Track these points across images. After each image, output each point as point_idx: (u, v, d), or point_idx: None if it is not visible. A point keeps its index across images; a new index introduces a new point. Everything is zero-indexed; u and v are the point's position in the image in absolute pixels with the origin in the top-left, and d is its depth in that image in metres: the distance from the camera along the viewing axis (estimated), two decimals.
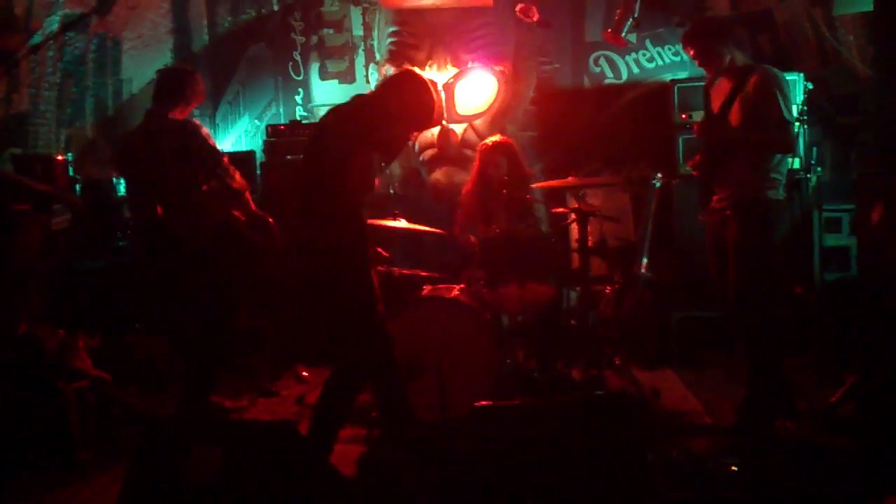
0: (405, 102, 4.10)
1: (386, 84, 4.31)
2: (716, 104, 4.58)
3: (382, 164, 4.49)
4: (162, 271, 5.03)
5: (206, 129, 5.00)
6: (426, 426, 4.34)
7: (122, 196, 6.34)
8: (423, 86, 4.14)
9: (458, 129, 6.79)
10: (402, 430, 4.17)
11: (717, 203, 4.58)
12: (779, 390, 4.51)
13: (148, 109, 5.09)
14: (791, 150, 4.73)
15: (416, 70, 4.28)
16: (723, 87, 4.57)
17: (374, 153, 4.10)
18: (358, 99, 4.25)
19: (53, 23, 5.87)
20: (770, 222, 4.47)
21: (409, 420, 4.18)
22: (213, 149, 4.98)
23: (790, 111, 4.40)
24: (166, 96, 5.01)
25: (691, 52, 4.64)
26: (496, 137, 5.74)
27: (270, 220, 5.14)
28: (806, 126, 5.55)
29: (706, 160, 4.55)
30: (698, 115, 6.08)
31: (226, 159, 5.04)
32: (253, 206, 5.16)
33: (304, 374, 5.95)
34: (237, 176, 5.05)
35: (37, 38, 5.82)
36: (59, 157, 5.81)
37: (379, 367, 4.10)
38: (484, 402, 3.90)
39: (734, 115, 4.42)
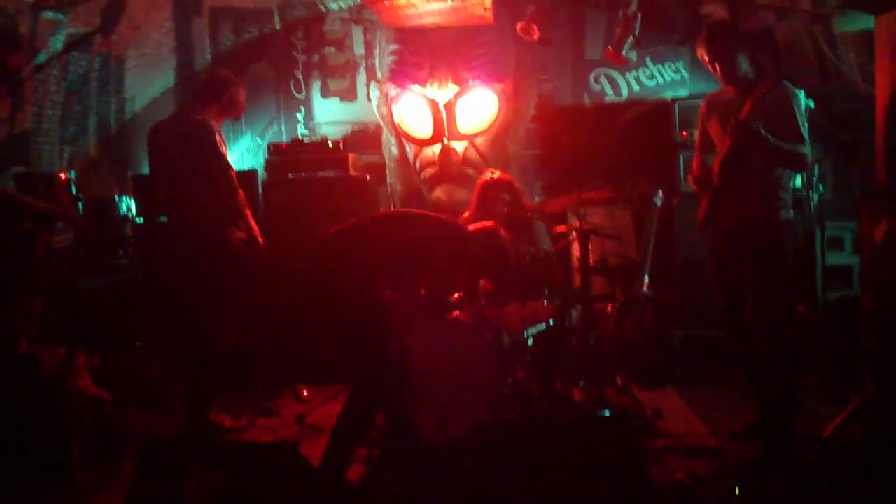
0: (484, 256, 4.37)
1: (475, 233, 4.45)
2: (723, 117, 4.51)
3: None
4: (167, 283, 5.08)
5: (220, 136, 5.07)
6: (428, 448, 4.35)
7: (124, 214, 6.36)
8: (503, 247, 4.40)
9: (459, 146, 6.79)
10: (407, 448, 4.18)
11: (725, 222, 4.57)
12: (795, 412, 4.49)
13: (182, 102, 5.19)
14: (807, 167, 4.73)
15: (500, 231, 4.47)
16: (732, 99, 4.56)
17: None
18: (452, 232, 4.40)
19: (58, 42, 5.88)
20: (784, 244, 4.47)
21: (412, 439, 4.19)
22: (222, 155, 5.04)
23: (806, 129, 4.39)
24: (201, 96, 5.17)
25: (707, 58, 4.58)
26: (496, 174, 5.72)
27: (262, 243, 5.20)
28: None
29: (721, 173, 4.48)
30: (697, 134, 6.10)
31: (232, 172, 5.10)
32: (253, 225, 5.19)
33: (304, 393, 5.93)
34: (241, 193, 5.10)
35: (41, 58, 5.83)
36: (62, 176, 5.81)
37: (392, 384, 4.14)
38: (486, 424, 3.92)
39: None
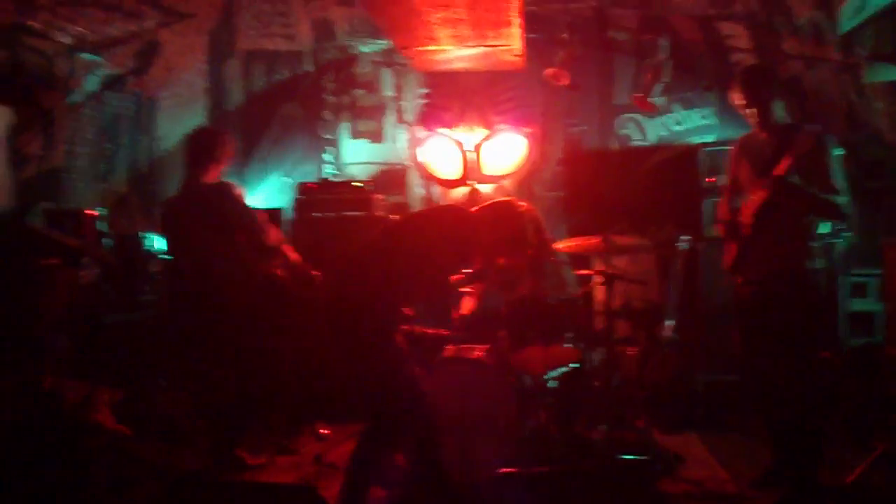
0: (498, 230, 4.19)
1: (492, 209, 4.31)
2: (755, 162, 4.51)
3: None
4: (198, 325, 5.12)
5: (238, 189, 5.16)
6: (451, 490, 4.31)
7: (150, 251, 6.43)
8: (518, 218, 4.25)
9: (487, 189, 6.84)
10: (435, 490, 4.11)
11: (754, 272, 4.53)
12: (818, 459, 4.44)
13: (183, 176, 5.26)
14: (844, 218, 4.68)
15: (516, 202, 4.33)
16: (762, 144, 4.52)
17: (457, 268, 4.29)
18: (461, 214, 4.29)
19: (93, 82, 6.02)
20: (814, 293, 4.44)
21: (443, 481, 4.13)
22: (247, 207, 5.14)
23: (841, 179, 4.38)
24: (198, 159, 5.19)
25: (743, 101, 4.53)
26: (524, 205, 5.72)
27: (312, 271, 5.35)
28: None
29: (754, 222, 4.44)
30: (724, 179, 6.10)
31: (260, 215, 5.20)
32: (293, 258, 5.35)
33: (323, 431, 5.92)
34: (273, 232, 5.24)
35: (76, 97, 5.96)
36: (89, 212, 5.89)
37: (416, 425, 4.08)
38: (507, 469, 3.91)
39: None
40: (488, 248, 4.21)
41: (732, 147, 4.85)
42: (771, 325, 4.44)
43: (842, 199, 4.33)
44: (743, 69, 4.75)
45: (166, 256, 6.44)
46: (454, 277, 4.42)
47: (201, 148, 5.23)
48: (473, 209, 4.26)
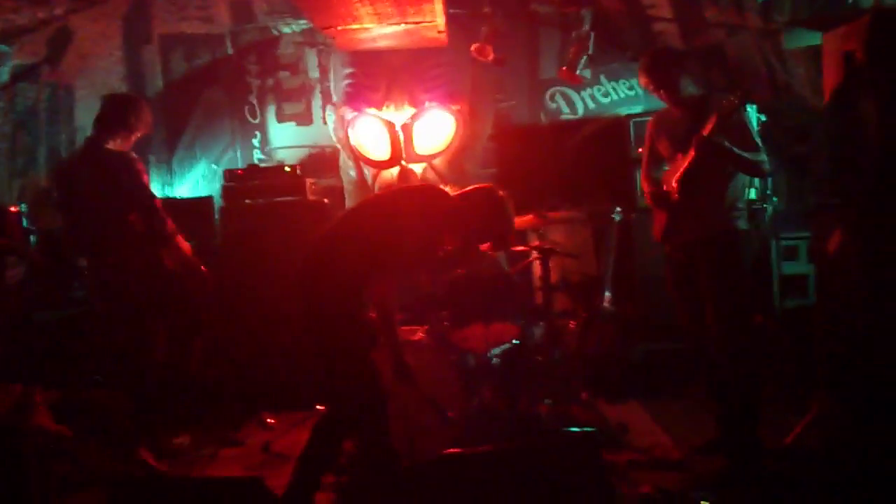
0: (489, 216, 4.13)
1: (470, 196, 4.22)
2: (672, 135, 4.61)
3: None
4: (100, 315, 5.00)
5: (141, 165, 4.96)
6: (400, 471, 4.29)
7: None
8: (503, 208, 4.18)
9: (418, 168, 6.79)
10: (384, 476, 4.08)
11: (684, 235, 4.60)
12: (758, 422, 4.52)
13: (87, 136, 5.01)
14: (767, 174, 4.83)
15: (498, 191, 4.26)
16: (678, 118, 4.61)
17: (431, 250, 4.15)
18: (441, 197, 4.21)
19: (3, 74, 5.81)
20: (742, 254, 4.52)
21: (396, 466, 4.09)
22: (145, 186, 4.94)
23: (759, 137, 4.50)
24: (108, 123, 4.93)
25: (649, 84, 4.65)
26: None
27: (203, 267, 5.13)
28: None
29: (681, 187, 4.49)
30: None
31: (158, 202, 4.99)
32: (186, 251, 5.11)
33: (270, 420, 5.85)
34: (168, 221, 4.99)
35: None
36: (13, 209, 5.70)
37: (370, 419, 4.03)
38: (452, 450, 3.89)
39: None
40: (471, 233, 4.19)
41: (648, 122, 4.95)
42: (703, 289, 4.52)
43: (763, 157, 4.43)
44: (646, 55, 4.80)
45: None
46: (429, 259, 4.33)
47: (114, 111, 4.97)
48: (455, 194, 4.22)
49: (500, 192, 4.23)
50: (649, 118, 5.98)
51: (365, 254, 3.91)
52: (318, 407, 5.35)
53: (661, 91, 4.63)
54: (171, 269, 4.97)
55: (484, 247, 4.50)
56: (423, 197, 4.24)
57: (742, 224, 4.57)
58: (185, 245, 5.11)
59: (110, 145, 4.89)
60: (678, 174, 4.49)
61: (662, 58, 4.74)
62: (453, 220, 4.10)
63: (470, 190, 4.22)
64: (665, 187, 4.64)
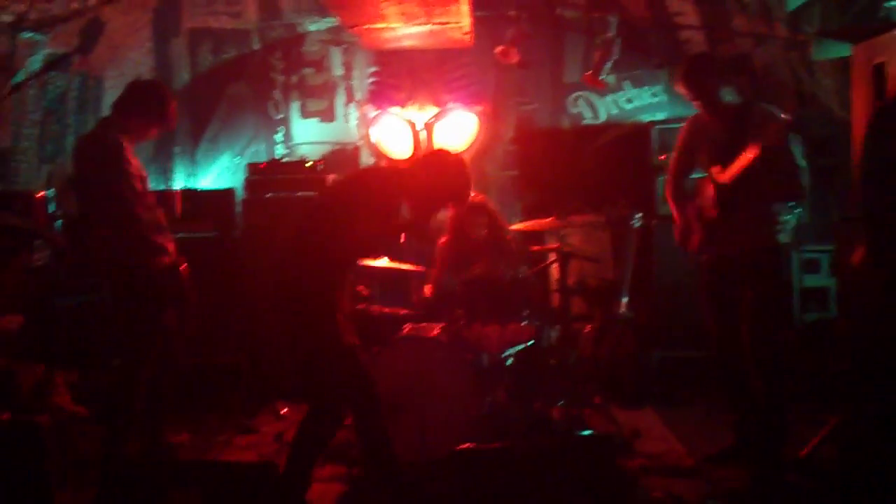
0: (441, 178, 4.17)
1: (424, 159, 4.34)
2: (711, 145, 4.52)
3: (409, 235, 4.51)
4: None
5: (121, 152, 4.41)
6: (408, 468, 4.32)
7: None
8: (458, 163, 4.24)
9: None
10: (385, 472, 4.13)
11: (724, 248, 4.53)
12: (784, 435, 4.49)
13: (103, 116, 4.88)
14: (805, 198, 4.66)
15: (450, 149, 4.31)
16: (716, 127, 4.53)
17: (387, 221, 4.14)
18: (392, 168, 4.29)
19: (36, 62, 5.86)
20: (784, 268, 4.49)
21: (392, 463, 4.13)
22: (118, 172, 4.36)
23: (801, 157, 4.42)
24: (125, 107, 4.61)
25: (687, 93, 4.53)
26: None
27: (183, 265, 4.59)
28: None
29: (725, 200, 4.41)
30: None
31: (150, 196, 4.58)
32: (170, 248, 4.58)
33: (284, 410, 5.90)
34: (159, 213, 4.60)
35: (19, 77, 5.81)
36: (40, 194, 5.75)
37: (361, 408, 4.07)
38: (465, 445, 3.91)
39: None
40: (424, 197, 4.21)
41: (682, 128, 4.85)
42: (742, 301, 4.45)
43: (805, 180, 4.38)
44: (683, 62, 4.70)
45: None
46: (391, 228, 4.30)
47: (133, 98, 4.63)
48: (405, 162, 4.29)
49: (452, 153, 4.32)
50: (672, 125, 6.03)
51: (333, 241, 3.98)
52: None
53: (699, 101, 4.52)
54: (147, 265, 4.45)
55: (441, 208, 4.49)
56: (375, 173, 4.30)
57: (784, 238, 4.50)
58: (171, 244, 4.58)
59: (123, 131, 4.53)
60: (721, 187, 4.41)
61: (701, 65, 4.61)
62: (408, 185, 4.18)
63: (421, 156, 4.28)
64: (700, 199, 4.60)
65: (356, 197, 4.09)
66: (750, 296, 4.43)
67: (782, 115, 4.27)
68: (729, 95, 4.61)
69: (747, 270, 4.45)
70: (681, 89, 4.58)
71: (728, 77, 5.23)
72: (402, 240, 4.41)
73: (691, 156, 4.76)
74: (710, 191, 4.55)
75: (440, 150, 4.35)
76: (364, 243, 4.16)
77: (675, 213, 4.80)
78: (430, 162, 4.28)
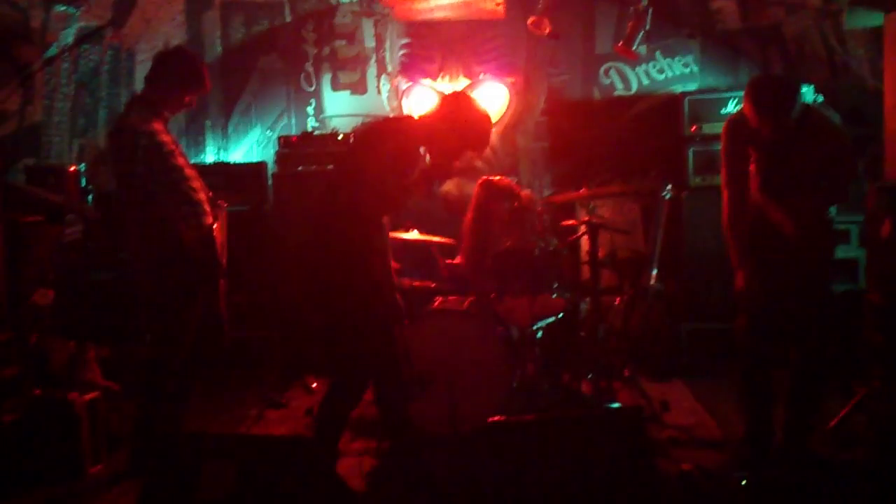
0: (458, 120, 4.09)
1: (440, 103, 4.25)
2: (759, 147, 4.31)
3: (435, 183, 4.45)
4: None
5: (137, 140, 4.22)
6: (431, 441, 4.36)
7: None
8: (475, 107, 4.16)
9: None
10: (405, 446, 4.17)
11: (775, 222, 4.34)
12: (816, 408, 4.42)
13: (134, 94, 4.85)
14: (847, 200, 4.58)
15: (468, 92, 4.22)
16: (772, 144, 4.25)
17: (405, 169, 4.03)
18: (403, 119, 4.25)
19: (69, 35, 5.92)
20: (832, 241, 4.46)
21: (409, 436, 4.18)
22: (132, 163, 4.25)
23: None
24: (157, 79, 4.45)
25: (754, 116, 4.11)
26: (496, 178, 5.53)
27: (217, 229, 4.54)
28: None
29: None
30: (708, 127, 6.07)
31: (189, 170, 4.47)
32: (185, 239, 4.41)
33: (314, 384, 5.97)
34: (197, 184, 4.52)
35: (52, 51, 5.86)
36: (72, 168, 5.79)
37: (383, 382, 4.11)
38: (495, 418, 3.94)
39: (798, 161, 4.20)
40: (443, 139, 4.11)
41: (724, 134, 4.45)
42: (791, 276, 4.31)
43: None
44: (756, 80, 4.24)
45: None
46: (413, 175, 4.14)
47: (163, 66, 4.46)
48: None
49: (468, 96, 4.26)
50: (704, 96, 5.99)
51: (359, 192, 3.90)
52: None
53: (767, 126, 4.11)
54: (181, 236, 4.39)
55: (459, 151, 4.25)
56: (394, 119, 4.26)
57: (833, 210, 4.40)
58: (188, 235, 4.39)
59: (155, 108, 4.40)
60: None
61: (774, 89, 4.13)
62: (426, 129, 4.13)
63: (438, 100, 4.25)
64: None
65: (376, 144, 4.03)
66: (798, 271, 4.28)
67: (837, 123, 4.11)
68: (758, 68, 4.48)
69: (798, 245, 4.25)
70: (746, 109, 4.14)
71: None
72: (426, 188, 4.31)
73: (741, 160, 4.42)
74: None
75: (456, 93, 4.29)
76: (388, 192, 3.98)
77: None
78: (447, 104, 4.19)
